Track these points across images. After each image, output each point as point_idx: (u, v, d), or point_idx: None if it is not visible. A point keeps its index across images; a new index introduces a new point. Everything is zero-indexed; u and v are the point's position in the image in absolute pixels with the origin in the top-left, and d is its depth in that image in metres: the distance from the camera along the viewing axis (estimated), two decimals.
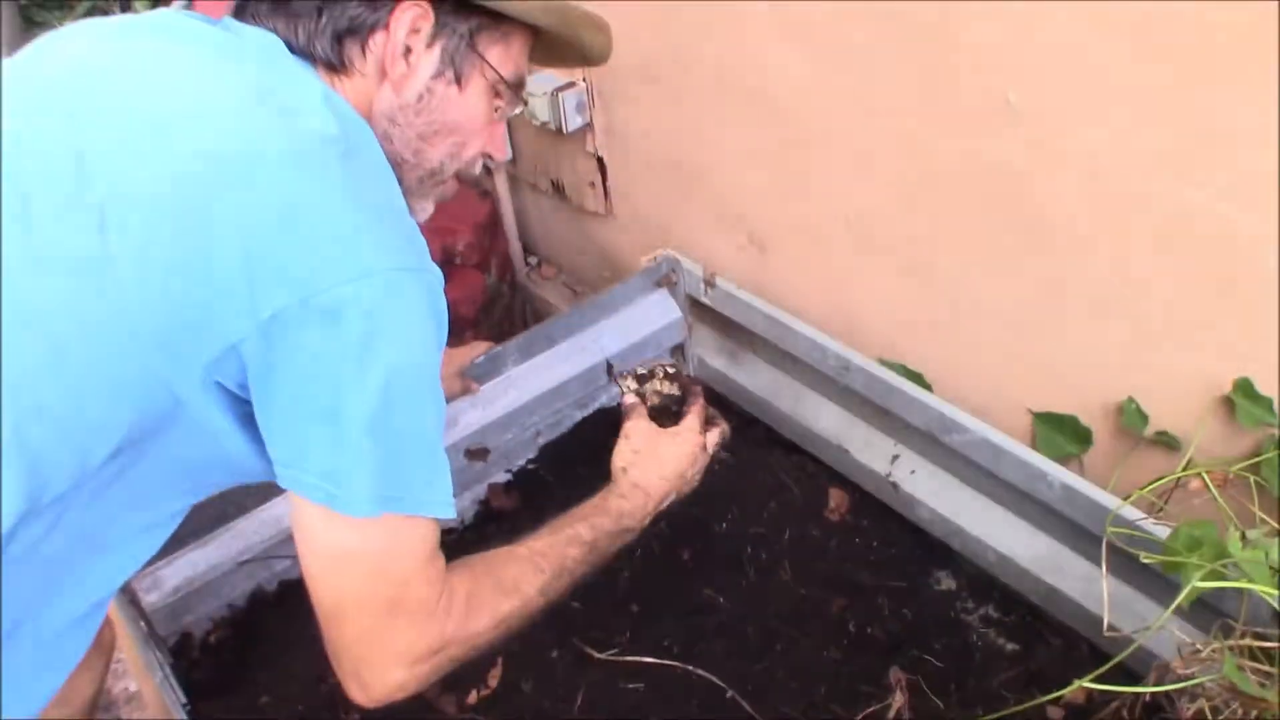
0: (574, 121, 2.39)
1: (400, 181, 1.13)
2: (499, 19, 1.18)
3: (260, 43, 1.10)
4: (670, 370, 1.55)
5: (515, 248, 2.98)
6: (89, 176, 0.96)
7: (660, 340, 2.18)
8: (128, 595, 1.62)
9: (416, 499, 1.03)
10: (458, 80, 1.18)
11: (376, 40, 1.13)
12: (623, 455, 1.44)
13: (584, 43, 1.30)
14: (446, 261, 2.57)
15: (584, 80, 2.36)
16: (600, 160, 2.48)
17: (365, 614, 1.03)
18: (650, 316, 2.16)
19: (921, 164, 1.70)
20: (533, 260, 3.06)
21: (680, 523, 1.82)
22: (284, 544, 1.79)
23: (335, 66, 1.13)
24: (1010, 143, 1.55)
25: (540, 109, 2.38)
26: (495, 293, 2.73)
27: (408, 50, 1.14)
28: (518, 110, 1.30)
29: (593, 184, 2.56)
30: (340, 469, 0.99)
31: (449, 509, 1.06)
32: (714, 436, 1.51)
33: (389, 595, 1.03)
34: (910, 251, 1.82)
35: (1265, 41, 1.20)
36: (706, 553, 1.78)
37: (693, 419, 1.49)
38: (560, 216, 2.83)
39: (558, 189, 2.71)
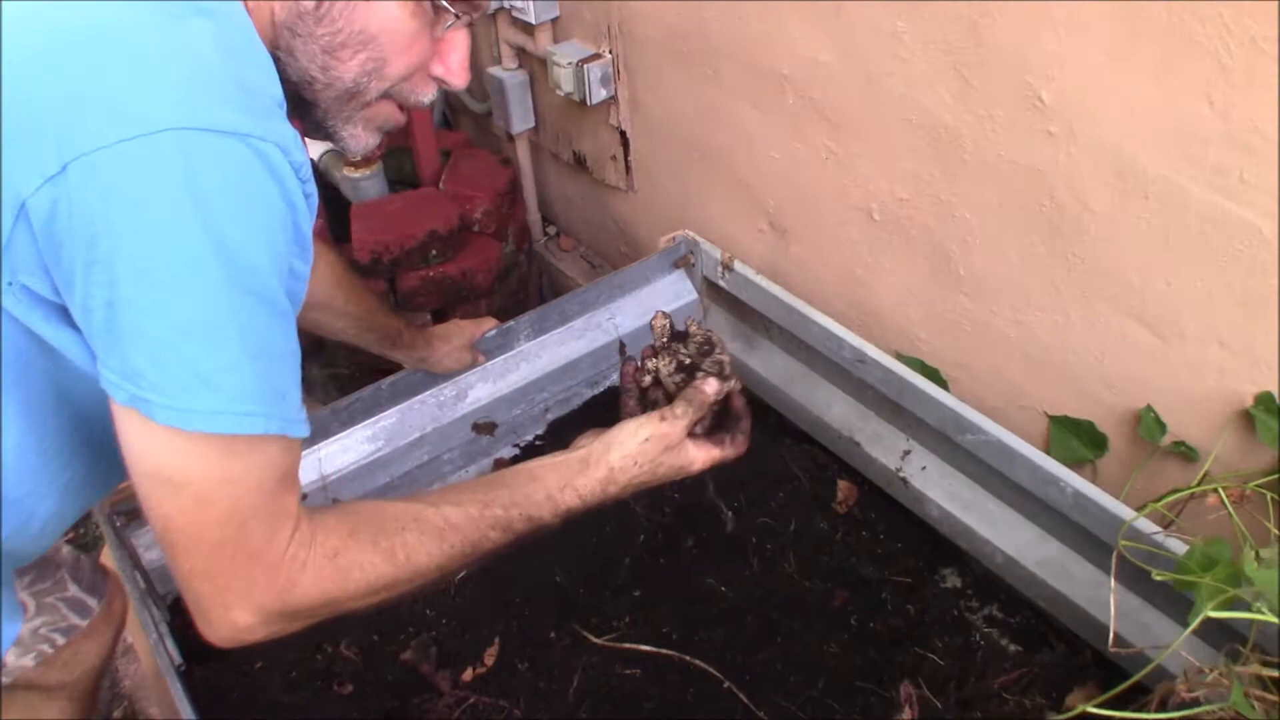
0: (598, 94, 2.36)
1: (315, 104, 1.05)
2: None
3: None
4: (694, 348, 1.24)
5: (534, 217, 2.97)
6: None
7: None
8: (126, 550, 1.61)
9: (241, 411, 0.85)
10: None
11: None
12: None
13: None
14: (464, 228, 2.55)
15: (610, 53, 2.33)
16: (623, 134, 2.45)
17: (198, 548, 0.88)
18: (666, 297, 2.14)
19: (950, 158, 1.67)
20: (551, 230, 3.04)
21: (686, 510, 1.81)
22: None
23: None
24: (1040, 141, 1.52)
25: (565, 79, 2.36)
26: (511, 262, 2.71)
27: None
28: (465, 22, 1.07)
29: (614, 157, 2.53)
30: (142, 367, 0.83)
31: (299, 426, 0.90)
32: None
33: (221, 531, 0.88)
34: (933, 247, 1.79)
35: None
36: (711, 541, 1.77)
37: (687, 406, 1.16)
38: (581, 188, 2.81)
39: (579, 160, 2.68)
